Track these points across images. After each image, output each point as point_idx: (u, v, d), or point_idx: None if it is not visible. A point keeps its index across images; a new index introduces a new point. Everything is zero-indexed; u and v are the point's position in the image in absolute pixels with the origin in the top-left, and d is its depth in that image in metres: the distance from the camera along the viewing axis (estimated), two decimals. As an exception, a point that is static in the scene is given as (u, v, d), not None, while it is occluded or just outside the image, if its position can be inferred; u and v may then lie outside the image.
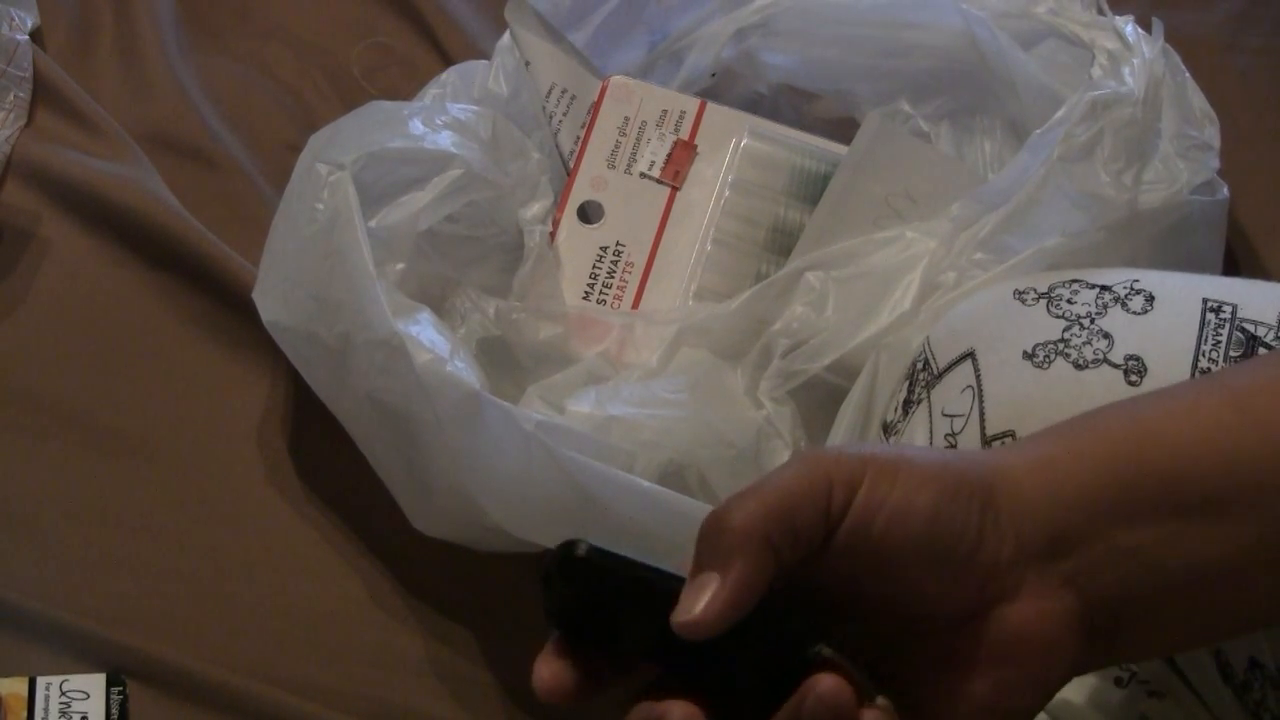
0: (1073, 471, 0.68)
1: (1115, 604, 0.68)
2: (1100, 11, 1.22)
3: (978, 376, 0.89)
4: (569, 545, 0.64)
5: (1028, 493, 0.67)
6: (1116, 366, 0.86)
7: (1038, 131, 1.11)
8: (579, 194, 1.19)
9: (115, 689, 1.05)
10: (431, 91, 1.21)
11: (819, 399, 1.07)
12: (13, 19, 1.33)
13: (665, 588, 0.65)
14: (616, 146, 1.21)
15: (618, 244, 1.18)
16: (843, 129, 1.23)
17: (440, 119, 1.15)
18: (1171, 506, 0.68)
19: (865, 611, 0.67)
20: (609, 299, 1.17)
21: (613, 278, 1.17)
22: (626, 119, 1.21)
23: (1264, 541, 0.68)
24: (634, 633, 0.65)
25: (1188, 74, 1.16)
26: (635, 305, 1.17)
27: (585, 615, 0.65)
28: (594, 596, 0.65)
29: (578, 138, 1.22)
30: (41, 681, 1.05)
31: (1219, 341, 0.86)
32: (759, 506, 0.65)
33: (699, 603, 0.64)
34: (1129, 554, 0.67)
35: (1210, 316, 0.87)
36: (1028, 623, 0.67)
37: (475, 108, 1.18)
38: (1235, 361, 0.85)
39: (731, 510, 0.65)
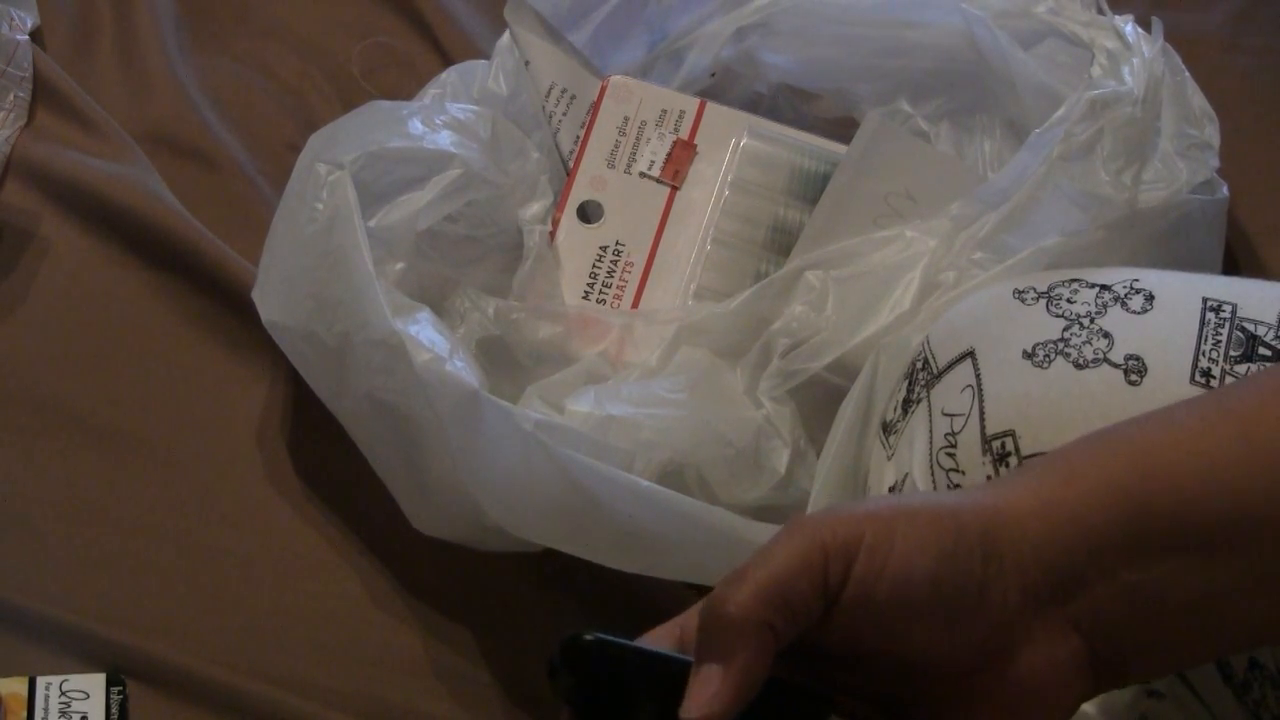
0: (1077, 514, 0.67)
1: (1119, 637, 0.68)
2: (1100, 11, 1.22)
3: (977, 376, 0.89)
4: (573, 638, 0.64)
5: (1032, 538, 0.67)
6: (1116, 366, 0.86)
7: (1037, 131, 1.11)
8: (579, 194, 1.19)
9: (115, 689, 1.05)
10: (431, 91, 1.21)
11: (818, 398, 1.07)
12: (13, 19, 1.33)
13: (672, 672, 0.65)
14: (616, 146, 1.21)
15: (617, 243, 1.18)
16: (843, 129, 1.23)
17: (440, 119, 1.15)
18: (1178, 544, 0.67)
19: (870, 664, 0.67)
20: (609, 298, 1.17)
21: (612, 277, 1.17)
22: (626, 119, 1.21)
23: (1274, 570, 0.67)
24: (645, 715, 0.65)
25: (1187, 73, 1.16)
26: (635, 305, 1.17)
27: (595, 700, 0.65)
28: (601, 684, 0.65)
29: (577, 137, 1.22)
30: (41, 681, 1.05)
31: (1219, 341, 0.86)
32: (755, 590, 0.64)
33: (705, 697, 0.64)
34: (1134, 590, 0.67)
35: (1210, 316, 0.87)
36: (1035, 671, 0.67)
37: (475, 108, 1.18)
38: (1235, 362, 0.85)
39: (728, 598, 0.64)
